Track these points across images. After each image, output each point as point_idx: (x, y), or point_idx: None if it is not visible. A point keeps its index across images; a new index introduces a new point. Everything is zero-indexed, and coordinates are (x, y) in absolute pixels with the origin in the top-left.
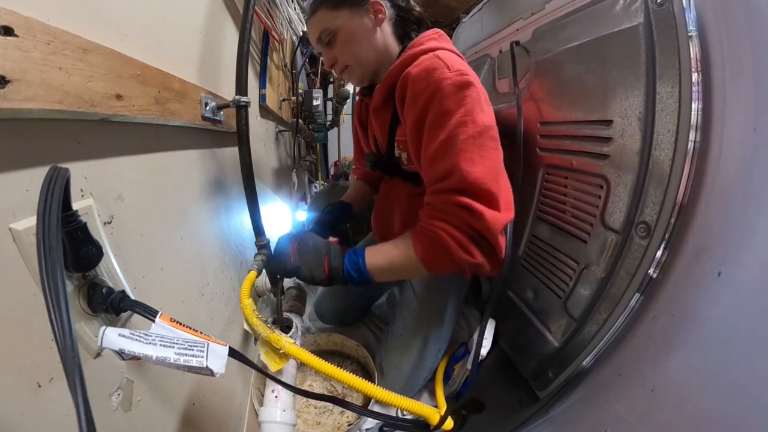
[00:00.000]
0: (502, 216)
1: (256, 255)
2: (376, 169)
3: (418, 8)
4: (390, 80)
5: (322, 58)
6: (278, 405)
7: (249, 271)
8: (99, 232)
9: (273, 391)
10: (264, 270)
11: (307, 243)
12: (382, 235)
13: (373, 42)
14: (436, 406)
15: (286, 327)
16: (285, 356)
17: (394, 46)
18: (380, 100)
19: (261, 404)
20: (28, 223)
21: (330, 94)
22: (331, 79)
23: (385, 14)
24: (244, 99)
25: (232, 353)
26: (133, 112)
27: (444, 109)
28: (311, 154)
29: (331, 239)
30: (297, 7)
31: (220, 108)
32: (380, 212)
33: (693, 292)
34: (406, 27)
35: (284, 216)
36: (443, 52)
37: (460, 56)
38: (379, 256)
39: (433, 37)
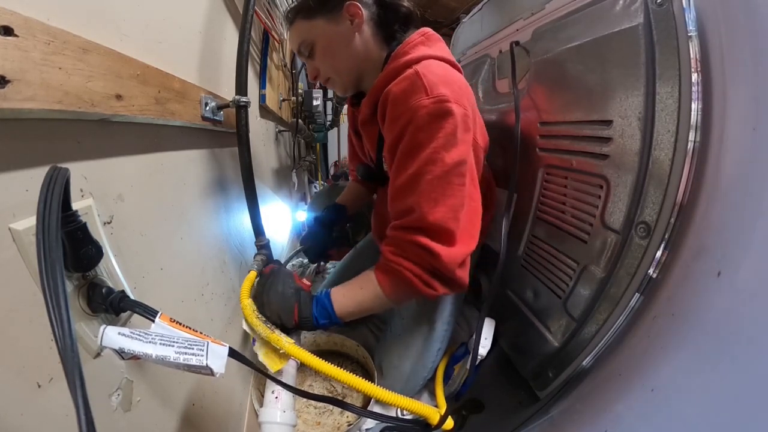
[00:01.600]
0: (459, 251)
1: (255, 255)
2: (367, 180)
3: (406, 3)
4: (375, 95)
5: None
6: (278, 406)
7: (249, 271)
8: (99, 232)
9: (273, 392)
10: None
11: (276, 288)
12: (380, 237)
13: (352, 50)
14: (436, 406)
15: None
16: (285, 356)
17: (377, 50)
18: (367, 113)
19: (261, 405)
20: (27, 223)
21: (330, 95)
22: None
23: (362, 17)
24: (243, 99)
25: (232, 353)
26: (133, 112)
27: (416, 141)
28: (311, 154)
29: (305, 282)
30: None
31: (220, 108)
32: (378, 215)
33: (693, 292)
34: (391, 26)
35: (284, 216)
36: (427, 65)
37: (447, 62)
38: (347, 300)
39: (419, 42)
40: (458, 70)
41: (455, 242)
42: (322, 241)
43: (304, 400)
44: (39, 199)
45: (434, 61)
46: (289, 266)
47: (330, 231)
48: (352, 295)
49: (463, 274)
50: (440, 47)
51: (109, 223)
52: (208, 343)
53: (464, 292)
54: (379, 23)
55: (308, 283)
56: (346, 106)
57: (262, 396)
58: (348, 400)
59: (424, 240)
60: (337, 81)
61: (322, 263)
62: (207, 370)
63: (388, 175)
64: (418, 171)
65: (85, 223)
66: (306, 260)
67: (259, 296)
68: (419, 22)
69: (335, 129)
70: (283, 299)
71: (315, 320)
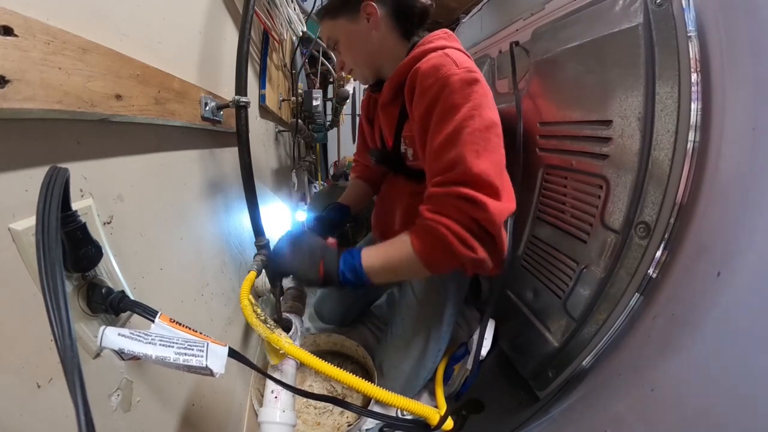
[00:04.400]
0: (505, 206)
1: (255, 255)
2: (380, 164)
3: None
4: (399, 76)
5: (322, 59)
6: (278, 405)
7: (248, 272)
8: (98, 233)
9: (272, 392)
10: (264, 270)
11: (302, 243)
12: (382, 234)
13: (369, 45)
14: (436, 407)
15: (285, 327)
16: (285, 355)
17: (396, 43)
18: (389, 95)
19: (261, 405)
20: (27, 223)
21: (329, 95)
22: (331, 80)
23: (377, 15)
24: (243, 99)
25: (232, 354)
26: (133, 112)
27: (451, 103)
28: (311, 154)
29: (330, 240)
30: (297, 7)
31: (219, 108)
32: (381, 211)
33: (693, 292)
34: (408, 21)
35: (284, 216)
36: (452, 50)
37: (468, 56)
38: (376, 257)
39: (442, 37)
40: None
41: (500, 197)
42: None
43: (304, 400)
44: (38, 199)
45: (457, 50)
46: None
47: (331, 233)
48: (381, 251)
49: (506, 237)
50: (458, 45)
51: (108, 223)
52: (207, 343)
53: (503, 260)
54: (396, 19)
55: (333, 240)
56: (347, 106)
57: (262, 396)
58: (348, 401)
59: (469, 191)
60: (358, 72)
61: None
62: (207, 371)
63: (404, 157)
64: (457, 126)
65: (84, 223)
66: None
67: (280, 251)
68: (433, 17)
69: (335, 129)
70: (309, 253)
71: (341, 275)
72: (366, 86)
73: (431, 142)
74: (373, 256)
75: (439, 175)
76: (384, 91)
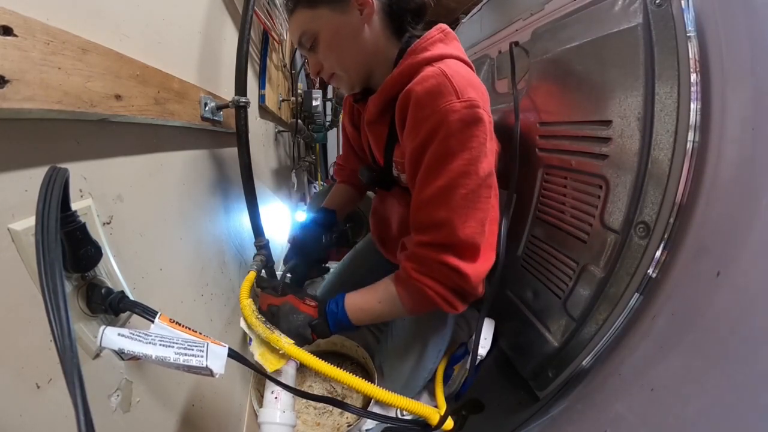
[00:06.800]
0: (481, 266)
1: (255, 255)
2: (371, 184)
3: None
4: (387, 93)
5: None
6: (278, 406)
7: (248, 272)
8: (98, 233)
9: (272, 392)
10: (263, 270)
11: (286, 328)
12: (381, 239)
13: (361, 43)
14: (436, 407)
15: None
16: (284, 357)
17: (388, 44)
18: (375, 112)
19: (260, 405)
20: (27, 223)
21: (329, 95)
22: None
23: (373, 6)
24: (243, 99)
25: (232, 354)
26: (133, 112)
27: (447, 148)
28: (310, 154)
29: (307, 303)
30: None
31: (219, 108)
32: (378, 218)
33: (692, 292)
34: (402, 17)
35: (283, 216)
36: (451, 65)
37: (467, 63)
38: (365, 315)
39: (438, 39)
40: (473, 70)
41: (479, 257)
42: (308, 258)
43: (304, 400)
44: (38, 200)
45: (455, 61)
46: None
47: (319, 240)
48: (369, 309)
49: (481, 288)
50: (457, 46)
51: (108, 223)
52: (207, 344)
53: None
54: (390, 14)
55: (313, 304)
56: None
57: (262, 396)
58: (348, 401)
59: (452, 260)
60: (344, 77)
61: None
62: (207, 371)
63: (397, 179)
64: (450, 183)
65: (84, 224)
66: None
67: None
68: (430, 13)
69: (335, 129)
70: (298, 334)
71: (332, 334)
72: (348, 94)
73: (420, 189)
74: (361, 314)
75: (425, 232)
76: (369, 107)
